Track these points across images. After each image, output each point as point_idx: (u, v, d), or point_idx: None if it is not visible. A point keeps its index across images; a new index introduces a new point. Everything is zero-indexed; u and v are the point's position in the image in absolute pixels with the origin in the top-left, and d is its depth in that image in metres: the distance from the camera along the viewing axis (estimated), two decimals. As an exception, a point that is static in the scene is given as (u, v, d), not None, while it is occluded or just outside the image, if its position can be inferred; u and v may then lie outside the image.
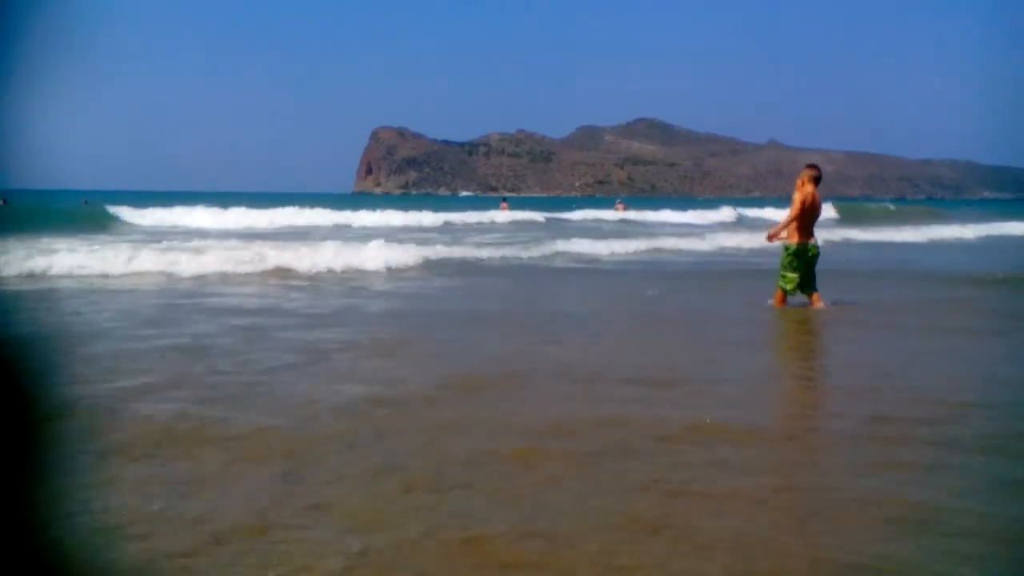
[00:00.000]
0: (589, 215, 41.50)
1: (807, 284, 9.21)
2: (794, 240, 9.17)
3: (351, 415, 4.60)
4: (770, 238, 9.69)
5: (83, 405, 4.66)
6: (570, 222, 37.95)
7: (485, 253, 16.79)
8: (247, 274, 12.53)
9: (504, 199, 42.02)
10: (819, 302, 9.20)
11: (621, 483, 3.55)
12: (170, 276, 12.10)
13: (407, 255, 14.44)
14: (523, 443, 4.08)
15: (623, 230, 29.07)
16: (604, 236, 21.83)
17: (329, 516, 3.17)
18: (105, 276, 11.96)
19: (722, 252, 19.62)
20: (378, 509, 3.24)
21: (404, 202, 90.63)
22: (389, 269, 13.44)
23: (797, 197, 9.23)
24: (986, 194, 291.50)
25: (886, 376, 5.83)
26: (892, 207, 58.77)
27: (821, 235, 10.03)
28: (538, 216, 39.19)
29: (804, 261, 9.15)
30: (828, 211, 39.41)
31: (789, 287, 9.19)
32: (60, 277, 11.72)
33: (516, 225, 33.58)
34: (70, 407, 4.58)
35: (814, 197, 9.24)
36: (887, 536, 3.01)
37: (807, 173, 9.40)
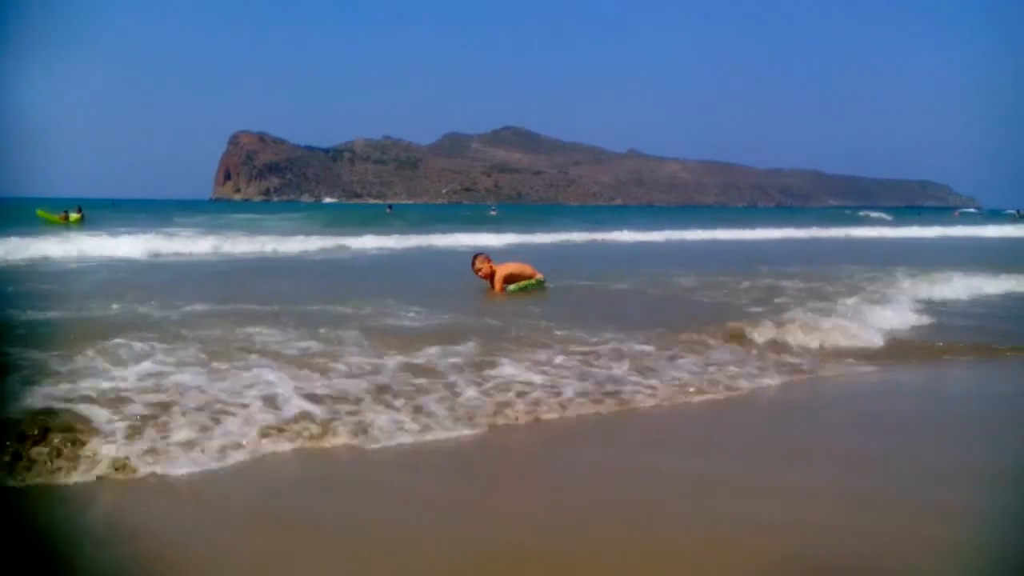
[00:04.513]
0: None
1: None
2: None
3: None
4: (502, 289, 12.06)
5: None
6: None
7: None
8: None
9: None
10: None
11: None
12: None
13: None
14: None
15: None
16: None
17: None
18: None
19: None
20: None
21: (266, 209, 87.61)
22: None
23: (503, 274, 11.95)
24: (831, 201, 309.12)
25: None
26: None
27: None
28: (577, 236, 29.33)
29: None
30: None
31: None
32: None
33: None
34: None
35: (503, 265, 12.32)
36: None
37: (484, 256, 12.29)
